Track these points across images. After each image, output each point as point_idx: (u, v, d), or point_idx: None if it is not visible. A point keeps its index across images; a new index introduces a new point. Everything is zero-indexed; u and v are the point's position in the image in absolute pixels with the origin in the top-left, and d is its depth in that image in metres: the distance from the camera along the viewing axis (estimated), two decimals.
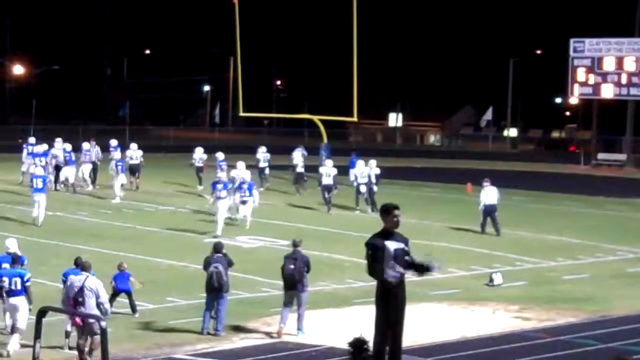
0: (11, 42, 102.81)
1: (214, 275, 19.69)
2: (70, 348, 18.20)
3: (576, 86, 67.89)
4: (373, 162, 38.75)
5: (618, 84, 65.86)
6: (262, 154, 45.95)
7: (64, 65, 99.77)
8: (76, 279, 17.44)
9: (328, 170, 38.77)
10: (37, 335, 13.84)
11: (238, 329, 20.05)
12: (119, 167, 39.66)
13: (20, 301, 18.36)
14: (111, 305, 18.98)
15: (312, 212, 37.77)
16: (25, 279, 18.45)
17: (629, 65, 65.29)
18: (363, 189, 37.90)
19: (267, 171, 45.64)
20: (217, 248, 20.32)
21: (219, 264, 19.84)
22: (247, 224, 32.70)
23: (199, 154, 44.59)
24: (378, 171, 38.53)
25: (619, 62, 65.56)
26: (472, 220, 35.45)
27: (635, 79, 65.17)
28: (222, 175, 33.57)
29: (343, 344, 14.69)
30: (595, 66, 66.42)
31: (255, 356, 17.82)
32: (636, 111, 71.21)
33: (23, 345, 17.91)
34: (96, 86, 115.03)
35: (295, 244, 20.40)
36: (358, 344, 13.66)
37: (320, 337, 19.37)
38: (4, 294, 18.39)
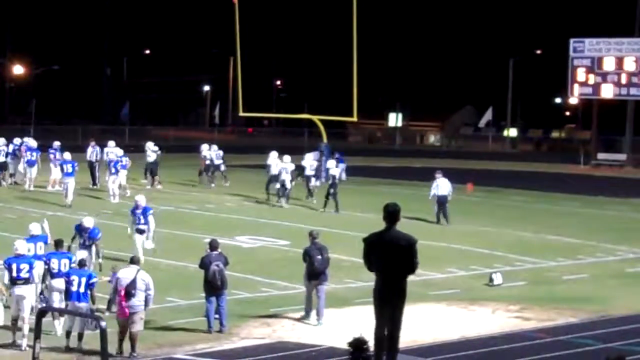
0: (11, 42, 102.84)
1: (217, 274, 19.67)
2: (70, 348, 18.18)
3: (576, 86, 67.92)
4: (333, 162, 40.20)
5: (618, 84, 65.88)
6: (214, 152, 45.13)
7: (64, 65, 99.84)
8: (127, 272, 18.02)
9: (285, 165, 39.37)
10: (37, 335, 13.83)
11: (238, 329, 20.04)
12: (117, 167, 39.69)
13: (63, 283, 18.91)
14: (112, 306, 19.04)
15: (312, 212, 37.78)
16: (73, 260, 19.27)
17: (629, 65, 65.31)
18: (313, 180, 41.04)
19: (222, 167, 45.15)
20: (214, 246, 20.29)
21: (219, 262, 19.86)
22: (151, 247, 26.31)
23: (150, 148, 44.65)
24: (338, 172, 39.89)
25: (619, 62, 65.59)
26: (472, 219, 35.45)
27: (635, 79, 65.19)
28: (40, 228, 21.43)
29: (343, 344, 14.70)
30: (595, 66, 66.45)
31: (255, 356, 17.81)
32: (636, 111, 71.22)
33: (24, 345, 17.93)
34: (96, 86, 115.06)
35: (314, 236, 20.75)
36: (358, 344, 13.66)
37: (320, 337, 19.37)
38: (49, 276, 19.03)
